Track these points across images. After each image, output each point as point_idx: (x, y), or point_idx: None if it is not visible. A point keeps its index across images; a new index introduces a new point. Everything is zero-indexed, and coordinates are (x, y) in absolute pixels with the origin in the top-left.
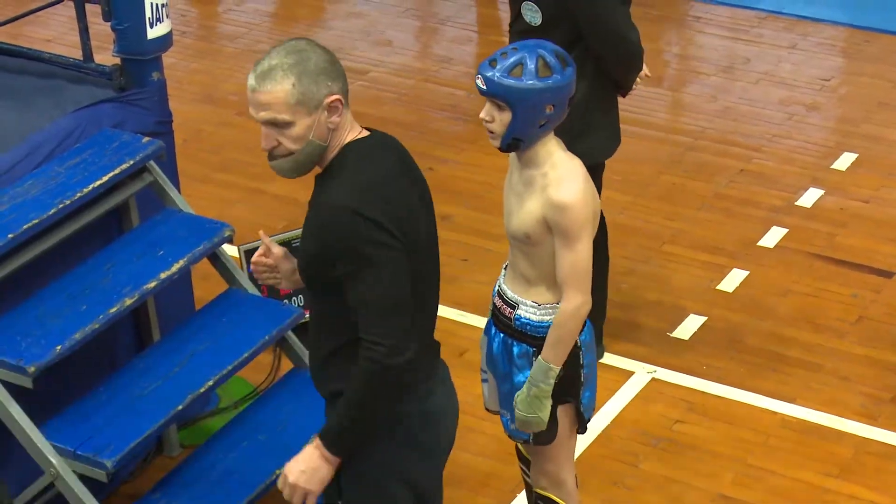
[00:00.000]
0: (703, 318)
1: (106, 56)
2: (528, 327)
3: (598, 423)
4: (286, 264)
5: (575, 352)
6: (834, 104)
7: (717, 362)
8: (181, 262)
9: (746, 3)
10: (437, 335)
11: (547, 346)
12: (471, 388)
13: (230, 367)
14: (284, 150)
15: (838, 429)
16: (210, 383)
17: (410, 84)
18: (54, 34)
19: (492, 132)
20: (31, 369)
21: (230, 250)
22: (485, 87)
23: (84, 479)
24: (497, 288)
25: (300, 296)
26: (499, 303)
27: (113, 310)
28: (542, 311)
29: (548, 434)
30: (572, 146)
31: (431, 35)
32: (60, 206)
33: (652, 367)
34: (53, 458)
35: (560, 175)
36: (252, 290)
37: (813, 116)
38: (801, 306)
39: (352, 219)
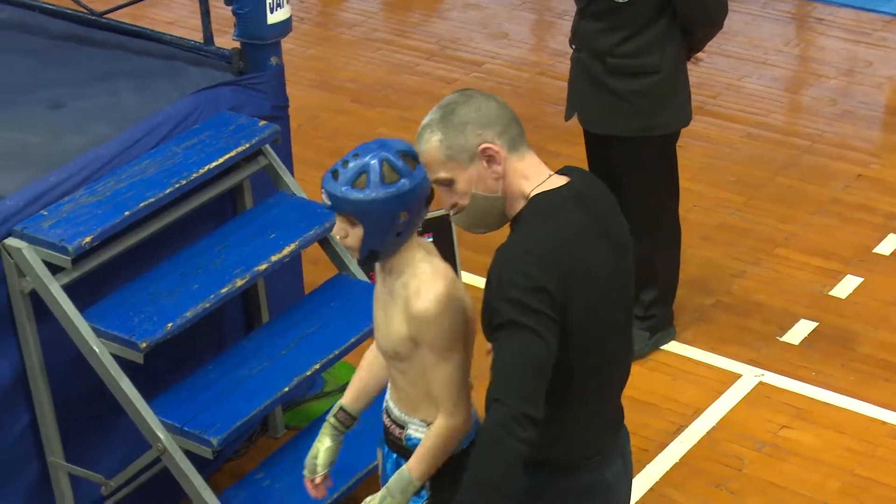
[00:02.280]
0: (815, 324)
1: (226, 40)
2: None
3: (703, 424)
4: None
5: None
6: None
7: (827, 368)
8: (292, 246)
9: (870, 6)
10: None
11: (414, 458)
12: None
13: (336, 352)
14: (459, 207)
15: None
16: (316, 367)
17: (525, 77)
18: (176, 17)
19: (348, 247)
20: (143, 345)
21: None
22: (330, 204)
23: (189, 455)
24: (385, 404)
25: None
26: (387, 421)
27: (224, 290)
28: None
29: None
30: (657, 115)
31: (547, 29)
32: (176, 185)
33: (760, 371)
34: (161, 434)
35: (419, 285)
36: (361, 276)
37: None
38: None
39: (510, 277)
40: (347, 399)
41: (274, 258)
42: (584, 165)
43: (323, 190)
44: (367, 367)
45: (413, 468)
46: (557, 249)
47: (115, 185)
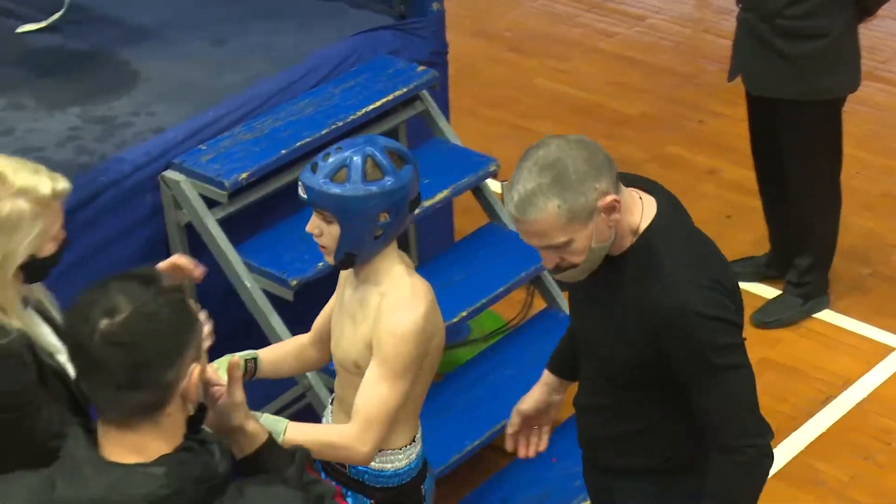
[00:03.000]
0: None
1: None
2: (366, 476)
3: (853, 395)
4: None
5: (418, 500)
6: None
7: None
8: (445, 193)
9: None
10: None
11: (302, 427)
12: None
13: (484, 301)
14: (569, 264)
15: None
16: (463, 314)
17: (688, 34)
18: None
19: (323, 247)
20: (293, 282)
21: (493, 185)
22: (306, 197)
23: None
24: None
25: None
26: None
27: None
28: (382, 458)
29: None
30: (823, 79)
31: None
32: (333, 126)
33: None
34: (308, 372)
35: (399, 300)
36: (512, 227)
37: None
38: None
39: (701, 317)
40: (267, 355)
41: (426, 204)
42: (746, 127)
43: (300, 182)
44: (297, 346)
45: (292, 434)
46: (721, 270)
47: (273, 124)
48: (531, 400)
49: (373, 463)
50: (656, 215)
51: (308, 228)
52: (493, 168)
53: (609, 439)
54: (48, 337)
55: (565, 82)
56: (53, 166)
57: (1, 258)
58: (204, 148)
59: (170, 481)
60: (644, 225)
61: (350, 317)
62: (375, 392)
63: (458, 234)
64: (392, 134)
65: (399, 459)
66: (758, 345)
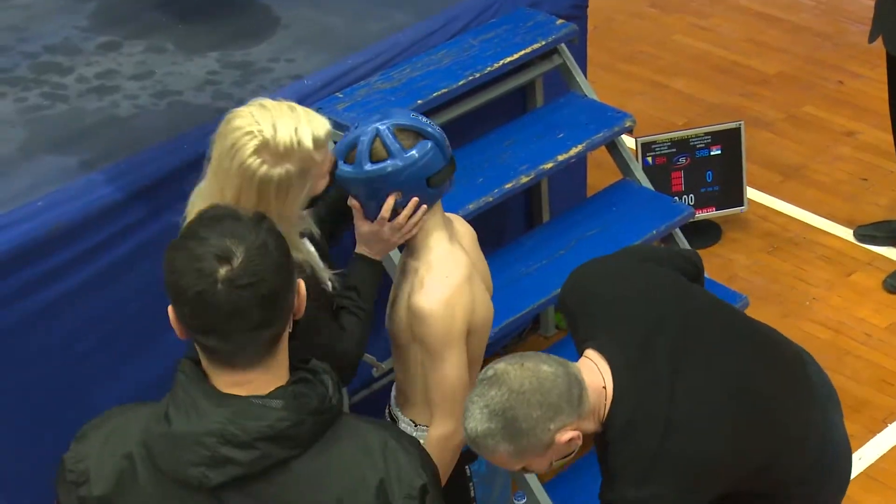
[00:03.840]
0: None
1: None
2: None
3: None
4: None
5: (464, 483)
6: None
7: None
8: (579, 147)
9: None
10: (828, 254)
11: None
12: (854, 309)
13: None
14: (529, 471)
15: None
16: None
17: None
18: None
19: None
20: None
21: (628, 142)
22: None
23: None
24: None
25: (690, 195)
26: (388, 409)
27: (508, 185)
28: (419, 433)
29: None
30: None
31: None
32: (470, 78)
33: None
34: None
35: (431, 278)
36: (645, 183)
37: None
38: None
39: None
40: None
41: (560, 158)
42: (885, 90)
43: None
44: None
45: None
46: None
47: (410, 73)
48: None
49: None
50: (612, 405)
51: (349, 203)
52: (628, 124)
53: None
54: (318, 260)
55: (704, 39)
56: (191, 110)
57: (278, 215)
58: (340, 96)
59: (289, 414)
60: (604, 414)
61: (396, 286)
62: (431, 379)
63: (589, 190)
64: (528, 87)
65: None
66: (889, 309)
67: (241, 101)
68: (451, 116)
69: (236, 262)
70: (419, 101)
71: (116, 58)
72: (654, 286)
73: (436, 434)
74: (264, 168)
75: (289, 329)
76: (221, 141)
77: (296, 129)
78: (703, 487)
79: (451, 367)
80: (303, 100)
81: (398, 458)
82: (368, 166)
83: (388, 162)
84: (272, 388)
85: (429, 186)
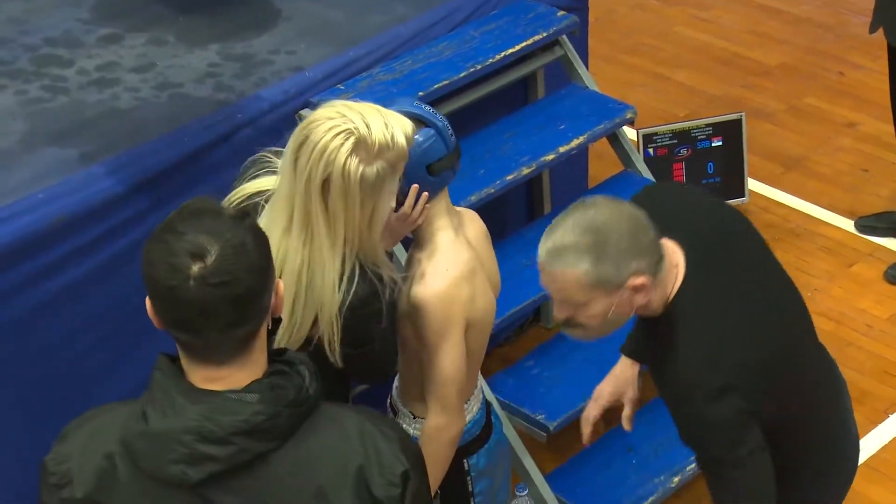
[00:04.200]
0: None
1: None
2: None
3: None
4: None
5: (462, 478)
6: None
7: None
8: (580, 139)
9: None
10: (829, 245)
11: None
12: (855, 300)
13: None
14: (578, 323)
15: None
16: None
17: None
18: None
19: None
20: None
21: (629, 133)
22: None
23: None
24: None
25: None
26: (389, 400)
27: (510, 177)
28: (417, 425)
29: None
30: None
31: None
32: (471, 69)
33: None
34: None
35: (430, 268)
36: (647, 174)
37: None
38: None
39: (697, 424)
40: None
41: (561, 149)
42: (887, 81)
43: None
44: None
45: None
46: (748, 345)
47: (411, 65)
48: (615, 382)
49: (408, 427)
50: (682, 284)
51: None
52: (629, 115)
53: None
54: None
55: (706, 31)
56: (192, 103)
57: (370, 217)
58: (342, 87)
59: (264, 407)
60: (672, 293)
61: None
62: (427, 370)
63: (591, 181)
64: (530, 79)
65: None
66: (890, 299)
67: (241, 94)
68: (453, 108)
69: (210, 259)
70: (421, 93)
71: (117, 50)
72: (723, 216)
73: (431, 425)
74: (362, 167)
75: (267, 326)
76: (304, 150)
77: (386, 125)
78: (758, 391)
79: (447, 359)
80: (304, 91)
81: (377, 444)
82: None
83: None
84: (248, 382)
85: (429, 174)
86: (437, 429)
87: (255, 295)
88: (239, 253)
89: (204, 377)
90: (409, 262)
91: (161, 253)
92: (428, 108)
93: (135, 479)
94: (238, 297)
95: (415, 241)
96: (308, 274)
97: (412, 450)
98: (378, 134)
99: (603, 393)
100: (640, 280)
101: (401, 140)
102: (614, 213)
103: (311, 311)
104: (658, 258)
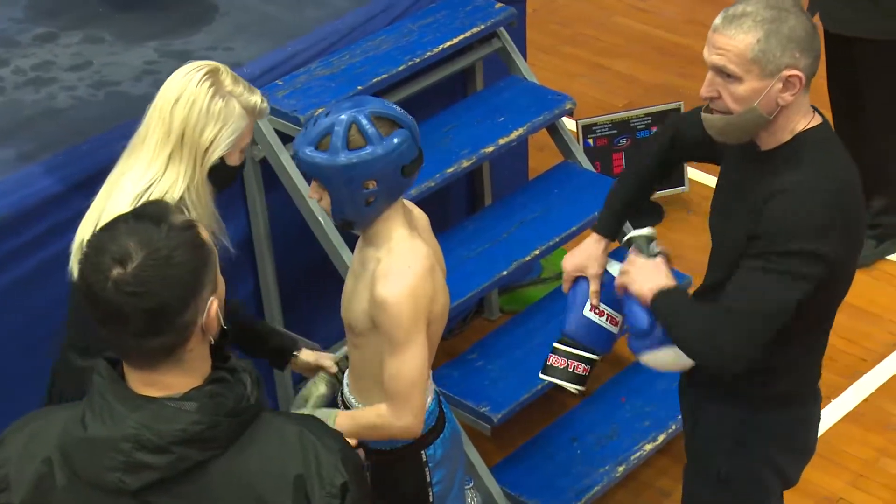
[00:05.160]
0: None
1: None
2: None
3: None
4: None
5: (420, 469)
6: None
7: None
8: (520, 130)
9: None
10: None
11: (348, 414)
12: None
13: (557, 239)
14: (722, 106)
15: None
16: (536, 252)
17: None
18: None
19: (327, 211)
20: None
21: (569, 124)
22: (296, 164)
23: None
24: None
25: None
26: (339, 397)
27: (450, 170)
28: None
29: None
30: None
31: None
32: (409, 63)
33: None
34: None
35: (390, 266)
36: (586, 164)
37: None
38: None
39: (791, 223)
40: None
41: (501, 141)
42: (822, 67)
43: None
44: None
45: (341, 422)
46: (851, 203)
47: (350, 60)
48: (580, 256)
49: None
50: (818, 127)
51: (309, 194)
52: (568, 106)
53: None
54: None
55: (644, 20)
56: (130, 100)
57: (206, 145)
58: (280, 83)
59: (202, 416)
60: (802, 129)
61: (354, 275)
62: (390, 366)
63: (532, 173)
64: (469, 71)
65: None
66: None
67: None
68: (392, 102)
69: (129, 266)
70: (359, 88)
71: (53, 49)
72: None
73: (395, 423)
74: (211, 91)
75: (210, 340)
76: (163, 94)
77: (249, 87)
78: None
79: (413, 357)
80: None
81: (318, 455)
82: (345, 153)
83: (368, 149)
84: (188, 389)
85: (402, 175)
86: (392, 426)
87: (171, 310)
88: (161, 265)
89: (140, 380)
90: (364, 260)
91: (93, 248)
92: (399, 108)
93: (73, 485)
94: (150, 309)
95: (367, 238)
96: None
97: (352, 461)
98: (232, 76)
99: (566, 266)
100: (796, 72)
101: (254, 95)
102: (801, 10)
103: None
104: (813, 74)
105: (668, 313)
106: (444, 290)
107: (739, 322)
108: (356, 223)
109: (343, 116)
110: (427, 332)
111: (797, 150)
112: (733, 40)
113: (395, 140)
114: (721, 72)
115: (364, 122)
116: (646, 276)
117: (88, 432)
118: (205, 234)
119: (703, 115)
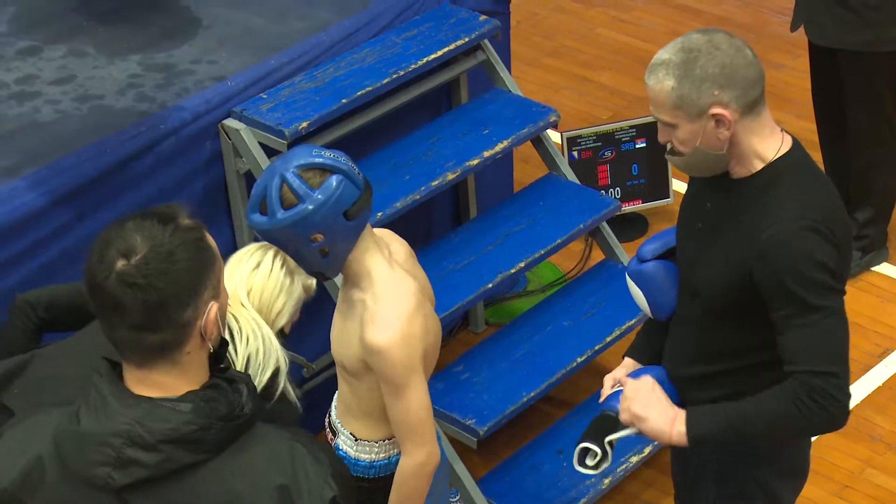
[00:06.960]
0: None
1: None
2: (345, 461)
3: None
4: None
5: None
6: None
7: None
8: (505, 143)
9: None
10: None
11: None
12: None
13: (542, 252)
14: (675, 149)
15: None
16: (521, 265)
17: None
18: None
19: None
20: None
21: (554, 136)
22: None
23: None
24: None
25: (617, 188)
26: (326, 420)
27: (435, 183)
28: (360, 448)
29: None
30: (889, 29)
31: None
32: (394, 76)
33: None
34: None
35: (377, 312)
36: (571, 177)
37: None
38: None
39: (796, 257)
40: None
41: (486, 154)
42: (807, 80)
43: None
44: None
45: None
46: (837, 220)
47: (334, 73)
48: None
49: (349, 449)
50: (790, 150)
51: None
52: (553, 118)
53: (690, 377)
54: None
55: (627, 32)
56: (114, 114)
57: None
58: (265, 96)
59: (195, 417)
60: (774, 155)
61: (341, 314)
62: (396, 410)
63: (516, 185)
64: (453, 84)
65: (375, 452)
66: None
67: (163, 105)
68: (376, 115)
69: (134, 259)
70: (343, 100)
71: (37, 63)
72: None
73: (410, 465)
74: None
75: (210, 348)
76: None
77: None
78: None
79: (415, 395)
80: (226, 101)
81: (307, 468)
82: (281, 214)
83: (300, 207)
84: (184, 392)
85: (347, 219)
86: (420, 465)
87: (170, 306)
88: (163, 260)
89: (135, 378)
90: (351, 302)
91: (100, 242)
92: (328, 153)
93: (62, 478)
94: (149, 302)
95: (347, 279)
96: None
97: (343, 477)
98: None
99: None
100: (720, 111)
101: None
102: (721, 42)
103: None
104: (753, 101)
105: (728, 430)
106: (435, 319)
107: (831, 379)
108: (325, 273)
109: (273, 177)
110: (423, 365)
111: (773, 182)
112: (654, 91)
113: (328, 189)
114: (661, 122)
115: (291, 178)
116: (650, 407)
117: (81, 426)
118: (210, 240)
119: (666, 156)
